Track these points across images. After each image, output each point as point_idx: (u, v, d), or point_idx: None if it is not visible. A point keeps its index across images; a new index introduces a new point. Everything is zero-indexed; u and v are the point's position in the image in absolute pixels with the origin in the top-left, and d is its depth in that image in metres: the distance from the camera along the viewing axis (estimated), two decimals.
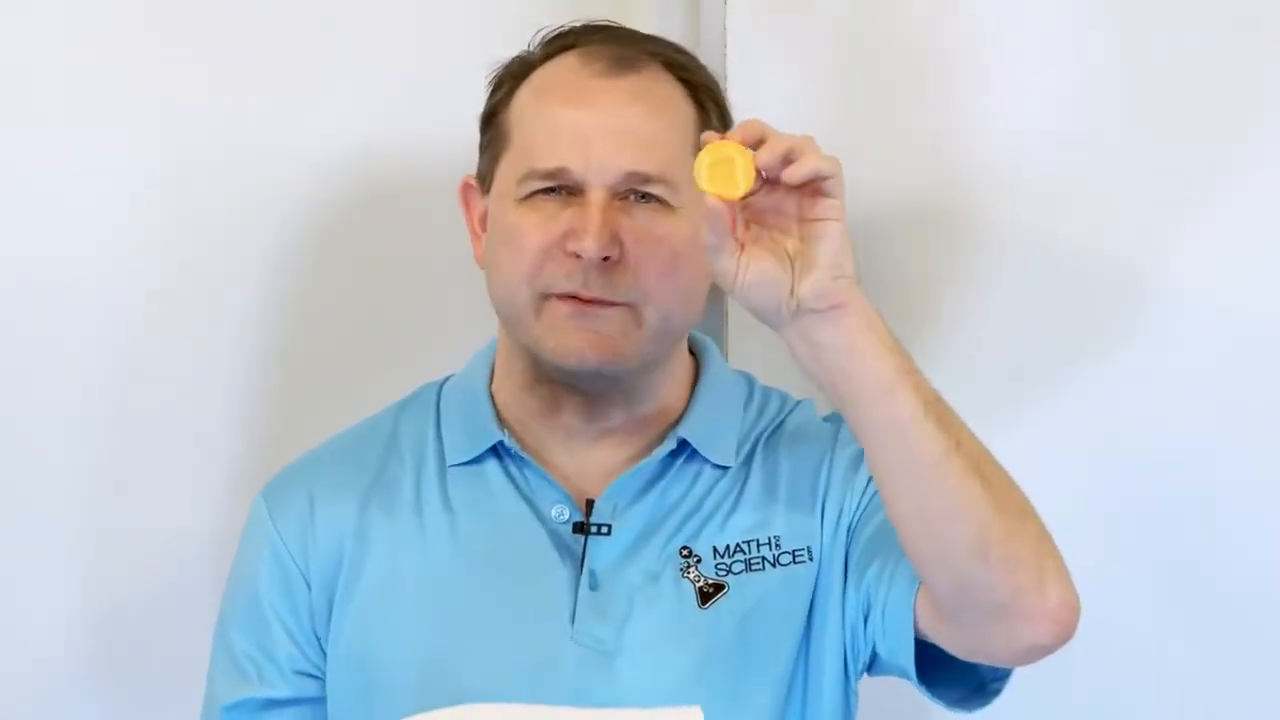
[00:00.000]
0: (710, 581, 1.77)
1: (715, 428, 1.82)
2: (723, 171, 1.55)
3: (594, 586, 1.76)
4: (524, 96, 1.79)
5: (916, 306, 2.10)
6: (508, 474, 1.80)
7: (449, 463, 1.81)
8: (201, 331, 2.10)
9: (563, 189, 1.74)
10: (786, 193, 1.57)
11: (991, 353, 2.09)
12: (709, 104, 1.81)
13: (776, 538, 1.79)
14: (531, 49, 1.83)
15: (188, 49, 2.07)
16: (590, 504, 1.78)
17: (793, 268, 1.57)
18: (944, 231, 2.11)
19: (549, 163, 1.74)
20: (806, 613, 1.77)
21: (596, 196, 1.73)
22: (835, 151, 2.03)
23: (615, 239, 1.73)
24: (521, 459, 1.79)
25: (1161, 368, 2.04)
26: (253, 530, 1.84)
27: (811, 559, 1.78)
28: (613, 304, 1.73)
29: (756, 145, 1.56)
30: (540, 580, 1.77)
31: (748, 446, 1.83)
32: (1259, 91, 2.01)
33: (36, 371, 2.06)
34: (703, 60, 1.88)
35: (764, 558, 1.78)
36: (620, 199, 1.74)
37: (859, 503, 1.78)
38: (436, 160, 2.09)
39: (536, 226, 1.74)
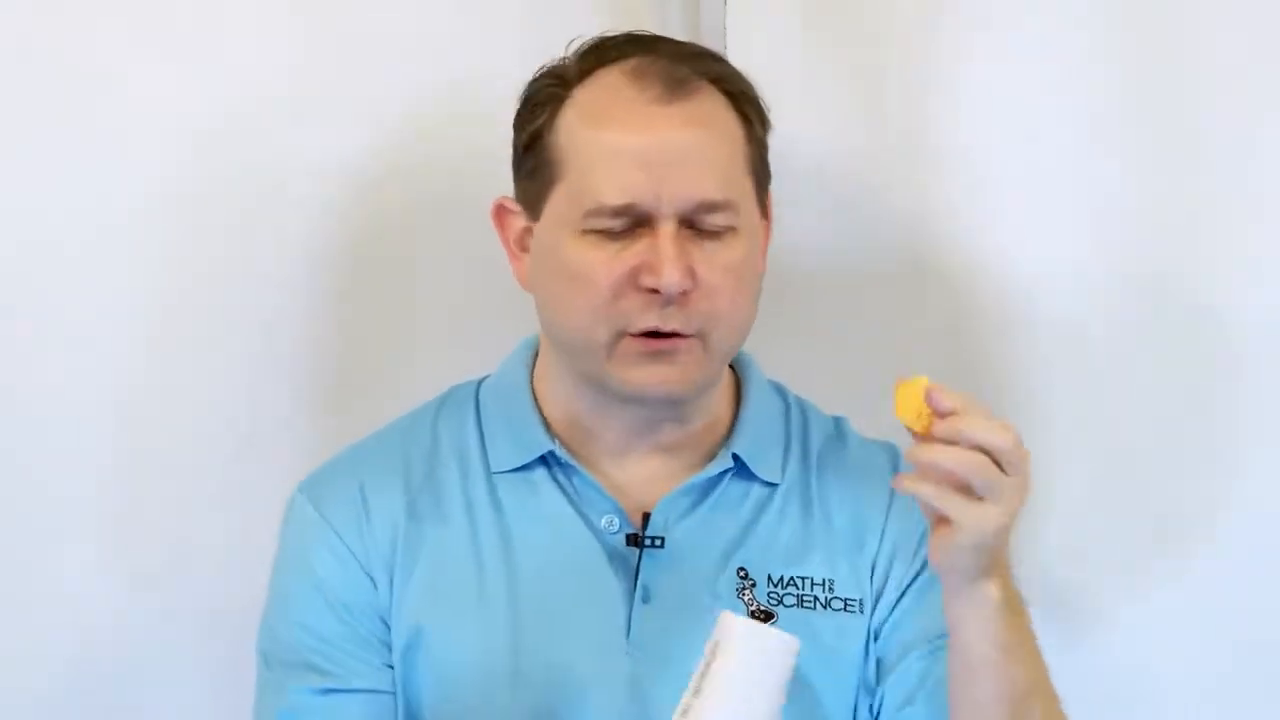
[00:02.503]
0: (762, 608, 1.76)
1: (762, 444, 1.81)
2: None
3: (646, 599, 1.75)
4: (571, 121, 1.73)
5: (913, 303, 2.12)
6: (556, 482, 1.78)
7: (495, 469, 1.79)
8: (212, 335, 2.07)
9: (630, 222, 1.71)
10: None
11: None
12: (750, 112, 1.77)
13: (831, 581, 1.78)
14: (564, 61, 1.77)
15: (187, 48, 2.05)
16: (646, 516, 1.76)
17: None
18: (946, 229, 2.11)
19: (617, 199, 1.70)
20: (862, 660, 1.77)
21: (668, 228, 1.70)
22: (838, 149, 2.10)
23: (690, 271, 1.70)
24: (572, 468, 1.78)
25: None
26: (299, 526, 1.80)
27: (863, 611, 1.78)
28: (686, 336, 1.71)
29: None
30: (595, 592, 1.75)
31: (794, 463, 1.82)
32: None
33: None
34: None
35: (816, 598, 1.78)
36: (686, 227, 1.71)
37: (906, 605, 1.79)
38: (442, 166, 2.09)
39: (604, 263, 1.70)
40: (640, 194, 1.70)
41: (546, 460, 1.79)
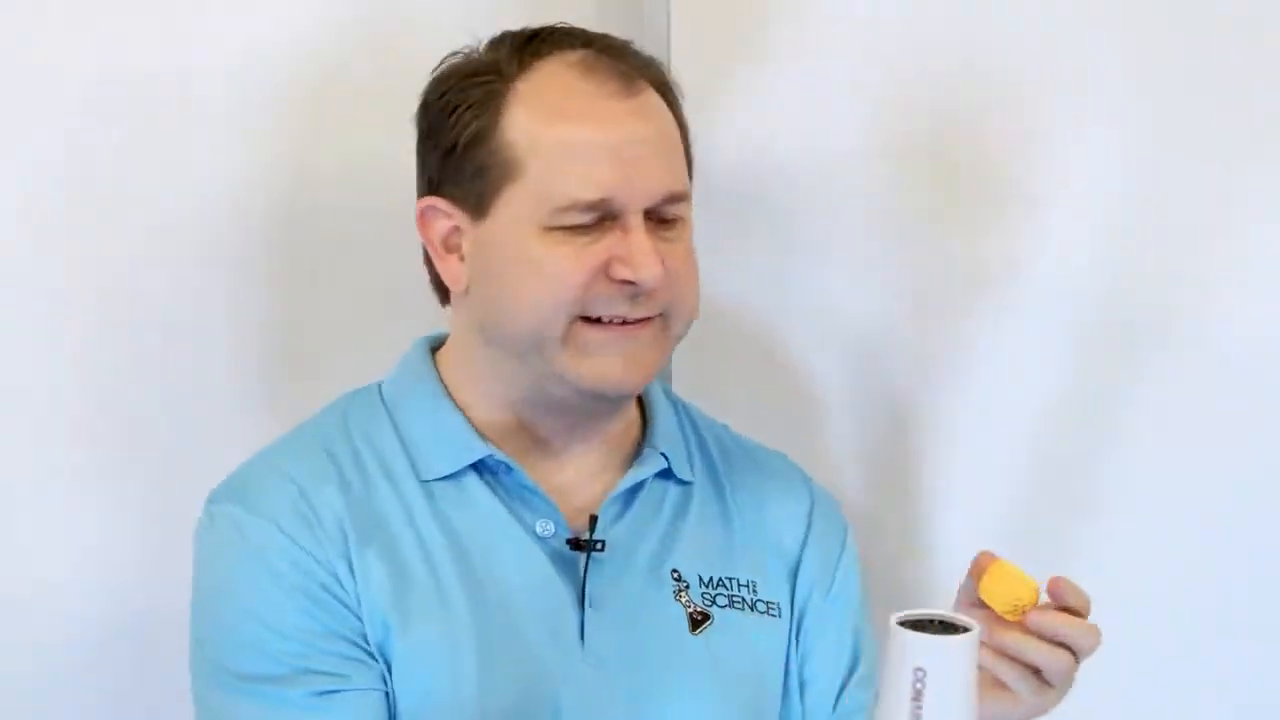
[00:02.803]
0: (699, 609, 1.77)
1: (673, 442, 1.82)
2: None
3: (596, 605, 1.73)
4: (523, 117, 1.71)
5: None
6: (491, 489, 1.75)
7: (425, 477, 1.75)
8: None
9: (599, 216, 1.69)
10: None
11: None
12: (676, 103, 1.78)
13: (755, 583, 1.80)
14: (473, 55, 1.75)
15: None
16: (593, 520, 1.75)
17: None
18: (895, 228, 2.09)
19: (592, 194, 1.69)
20: (784, 666, 1.80)
21: (637, 221, 1.70)
22: (789, 140, 2.07)
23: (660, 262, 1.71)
24: (510, 473, 1.75)
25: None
26: (238, 538, 1.71)
27: (781, 616, 1.80)
28: (647, 320, 1.72)
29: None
30: (547, 598, 1.73)
31: (698, 462, 1.84)
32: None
33: None
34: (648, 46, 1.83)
35: (744, 599, 1.79)
36: (648, 219, 1.71)
37: (828, 625, 1.82)
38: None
39: (572, 257, 1.69)
40: (613, 189, 1.69)
41: (477, 466, 1.75)
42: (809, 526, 1.84)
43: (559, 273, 1.69)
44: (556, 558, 1.74)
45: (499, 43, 1.75)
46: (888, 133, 2.06)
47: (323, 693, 1.67)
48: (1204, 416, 2.00)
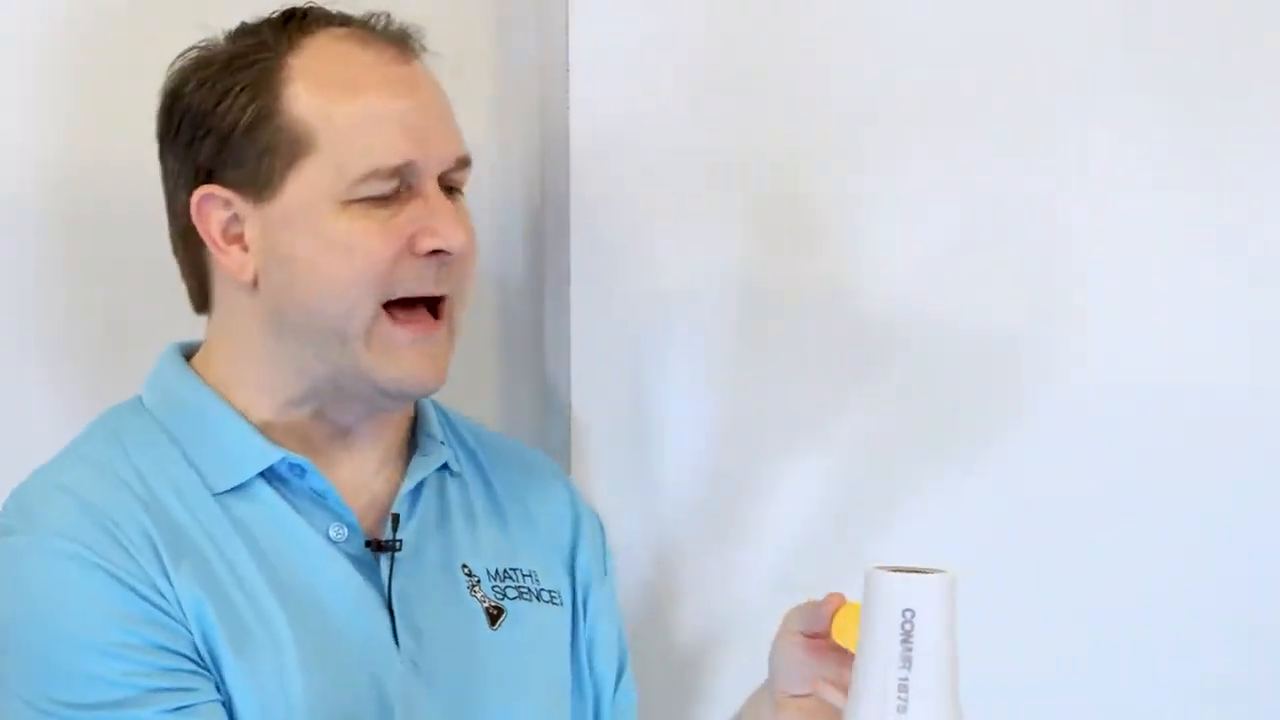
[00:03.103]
0: (494, 604, 1.75)
1: (437, 432, 1.80)
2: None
3: (402, 607, 1.70)
4: (305, 92, 1.67)
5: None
6: (281, 495, 1.70)
7: (216, 490, 1.68)
8: None
9: (399, 185, 1.67)
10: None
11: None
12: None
13: (535, 573, 1.79)
14: (247, 41, 1.70)
15: None
16: (396, 519, 1.71)
17: None
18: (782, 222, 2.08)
19: (394, 159, 1.66)
20: (569, 654, 1.80)
21: (435, 188, 1.68)
22: (683, 98, 2.04)
23: None
24: (303, 475, 1.70)
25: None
26: (31, 563, 1.63)
27: (562, 604, 1.80)
28: (439, 319, 1.69)
29: None
30: (357, 605, 1.69)
31: (458, 451, 1.81)
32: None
33: None
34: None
35: (530, 589, 1.77)
36: (439, 187, 1.69)
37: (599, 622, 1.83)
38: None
39: (377, 232, 1.66)
40: (411, 154, 1.67)
41: (265, 474, 1.70)
42: (576, 517, 1.84)
43: (366, 249, 1.66)
44: (357, 562, 1.70)
45: (252, 30, 1.71)
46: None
47: (176, 709, 1.61)
48: None
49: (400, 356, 1.67)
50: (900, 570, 1.47)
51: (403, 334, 1.67)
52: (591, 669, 1.82)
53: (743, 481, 2.05)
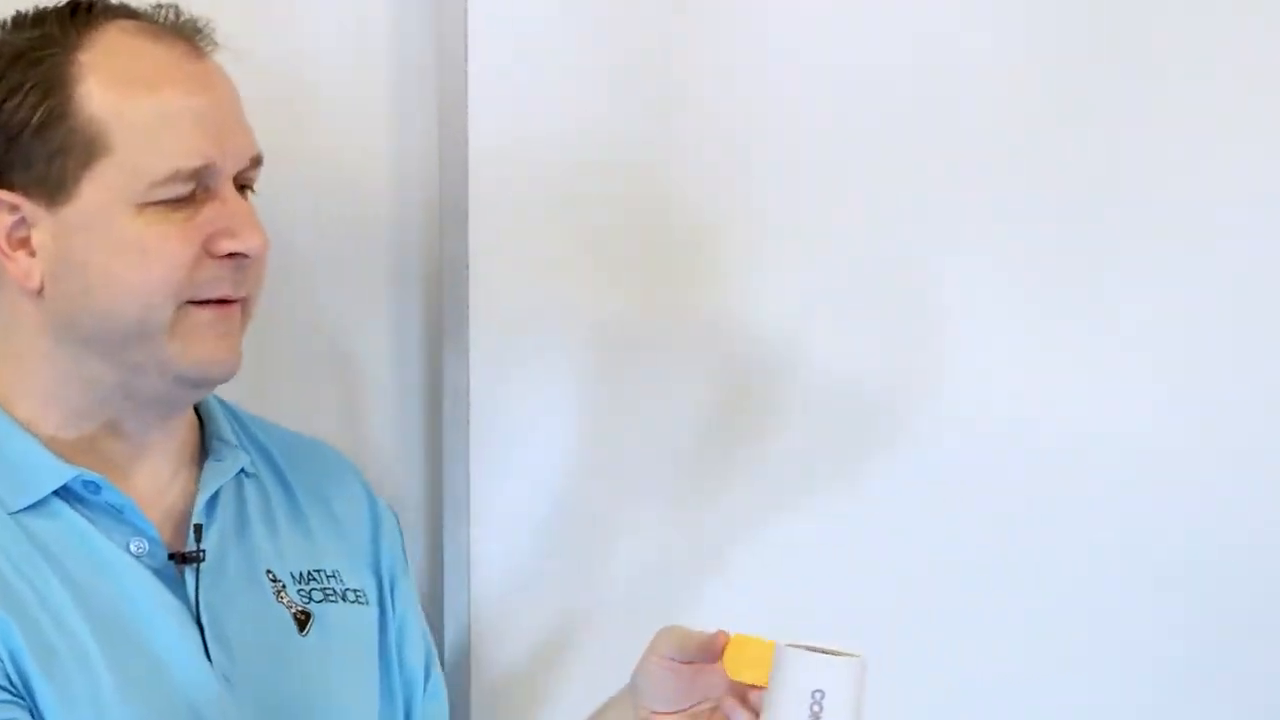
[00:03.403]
0: (300, 609, 1.71)
1: (227, 432, 1.76)
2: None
3: (210, 620, 1.65)
4: (98, 89, 1.61)
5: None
6: (78, 512, 1.64)
7: (11, 510, 1.62)
8: None
9: (195, 187, 1.62)
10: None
11: None
12: None
13: (339, 572, 1.75)
14: (27, 34, 1.63)
15: None
16: (199, 529, 1.67)
17: None
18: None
19: (192, 161, 1.61)
20: (379, 654, 1.77)
21: (231, 189, 1.64)
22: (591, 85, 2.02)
23: None
24: (98, 491, 1.64)
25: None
26: None
27: (369, 604, 1.77)
28: (239, 300, 1.66)
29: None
30: (166, 621, 1.64)
31: (251, 450, 1.76)
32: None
33: None
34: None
35: (335, 590, 1.74)
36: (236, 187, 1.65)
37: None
38: None
39: (178, 235, 1.61)
40: (211, 154, 1.62)
41: (60, 491, 1.64)
42: (375, 514, 1.82)
43: (166, 253, 1.61)
44: (162, 575, 1.65)
45: (35, 20, 1.65)
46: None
47: None
48: None
49: (201, 341, 1.63)
50: (811, 649, 1.49)
51: (205, 315, 1.63)
52: (401, 664, 1.79)
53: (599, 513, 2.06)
